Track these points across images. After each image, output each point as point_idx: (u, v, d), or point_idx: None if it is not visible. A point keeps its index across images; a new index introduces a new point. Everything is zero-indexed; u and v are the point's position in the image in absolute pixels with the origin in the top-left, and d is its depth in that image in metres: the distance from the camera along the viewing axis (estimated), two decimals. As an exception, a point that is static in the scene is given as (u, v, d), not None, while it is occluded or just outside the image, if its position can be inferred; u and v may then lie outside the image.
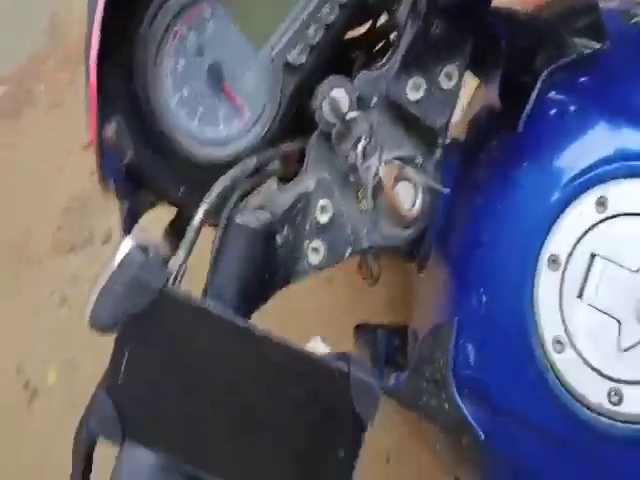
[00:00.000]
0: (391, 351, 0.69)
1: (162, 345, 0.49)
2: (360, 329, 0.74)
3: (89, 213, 1.49)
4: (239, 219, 0.56)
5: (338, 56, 0.63)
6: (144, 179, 0.62)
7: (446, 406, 0.59)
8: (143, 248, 0.49)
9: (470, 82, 0.67)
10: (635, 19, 0.61)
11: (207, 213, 0.56)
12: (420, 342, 0.63)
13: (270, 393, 0.49)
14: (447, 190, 0.59)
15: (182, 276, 0.53)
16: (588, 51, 0.56)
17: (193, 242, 0.55)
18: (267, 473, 0.49)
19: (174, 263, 0.54)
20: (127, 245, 0.48)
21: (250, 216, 0.57)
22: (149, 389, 0.49)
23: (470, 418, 0.58)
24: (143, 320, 0.48)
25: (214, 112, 0.61)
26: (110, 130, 0.59)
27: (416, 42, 0.58)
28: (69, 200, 1.69)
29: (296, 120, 0.62)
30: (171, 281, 0.51)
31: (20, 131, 1.79)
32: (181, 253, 0.54)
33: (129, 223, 0.64)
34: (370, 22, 0.65)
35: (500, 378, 0.57)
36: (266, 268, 0.58)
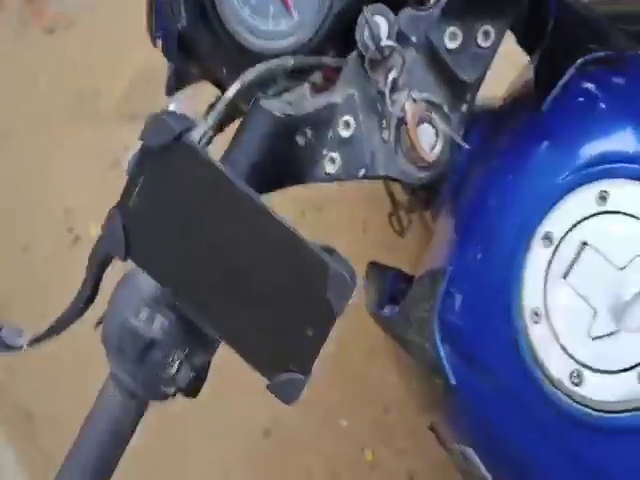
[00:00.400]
0: (395, 292, 0.72)
1: (171, 185, 0.53)
2: (373, 266, 0.77)
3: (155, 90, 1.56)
4: (264, 103, 0.58)
5: None
6: (193, 50, 0.66)
7: (427, 345, 0.63)
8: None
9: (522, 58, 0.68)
10: None
11: (239, 92, 0.59)
12: (416, 281, 0.67)
13: (258, 257, 0.53)
14: (467, 146, 0.61)
15: (206, 142, 0.57)
16: (629, 52, 0.57)
17: (221, 113, 0.58)
18: (243, 326, 0.54)
19: (200, 129, 0.57)
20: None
21: (275, 104, 0.59)
22: (154, 221, 0.54)
23: (445, 361, 0.61)
24: (159, 156, 0.52)
25: (265, 5, 0.64)
26: None
27: None
28: (139, 72, 1.74)
29: (345, 40, 0.63)
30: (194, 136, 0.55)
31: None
32: (209, 120, 0.57)
33: (171, 86, 0.71)
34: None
35: (479, 331, 0.60)
36: (283, 161, 0.61)
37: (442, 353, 0.62)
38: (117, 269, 0.59)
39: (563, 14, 0.60)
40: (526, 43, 0.66)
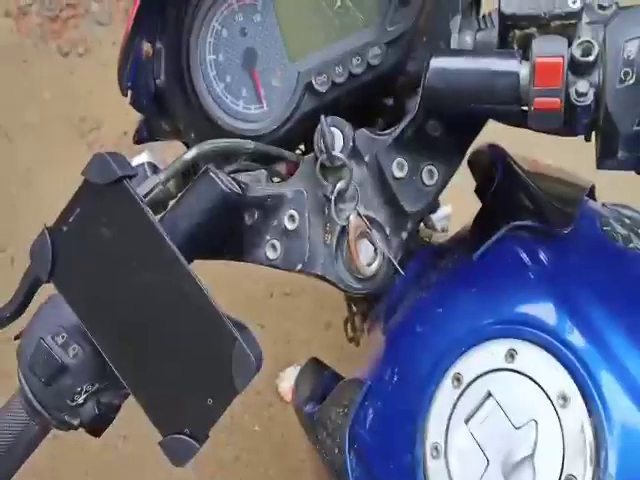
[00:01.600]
0: (327, 393, 0.73)
1: (103, 223, 0.55)
2: (313, 362, 0.79)
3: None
4: (213, 174, 0.60)
5: (364, 104, 0.67)
6: (166, 108, 0.70)
7: (336, 450, 0.66)
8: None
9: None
10: (607, 228, 0.66)
11: (197, 156, 0.61)
12: (338, 386, 0.70)
13: (172, 316, 0.54)
14: (402, 273, 0.63)
15: (154, 195, 0.59)
16: (552, 228, 0.62)
17: (175, 171, 0.60)
18: (148, 378, 0.55)
19: (151, 181, 0.59)
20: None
21: (224, 178, 0.61)
22: (81, 252, 0.56)
23: (350, 470, 0.64)
24: (98, 193, 0.54)
25: (239, 87, 0.68)
26: (148, 45, 0.67)
27: (409, 130, 0.61)
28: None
29: (310, 140, 0.65)
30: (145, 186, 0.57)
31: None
32: (161, 175, 0.60)
33: (141, 136, 0.73)
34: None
35: (383, 452, 0.63)
36: (227, 234, 0.63)
37: (348, 461, 0.64)
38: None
39: (508, 180, 0.65)
40: (479, 193, 0.70)
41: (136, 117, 0.73)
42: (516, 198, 0.67)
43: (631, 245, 0.65)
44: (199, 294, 0.53)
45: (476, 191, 0.72)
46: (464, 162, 0.64)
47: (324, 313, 1.72)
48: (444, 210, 0.91)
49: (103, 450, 1.66)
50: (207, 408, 0.53)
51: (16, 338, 0.60)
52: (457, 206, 1.00)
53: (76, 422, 0.59)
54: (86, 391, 0.58)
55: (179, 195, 0.60)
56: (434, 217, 1.05)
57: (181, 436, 0.54)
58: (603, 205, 0.72)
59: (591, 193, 0.74)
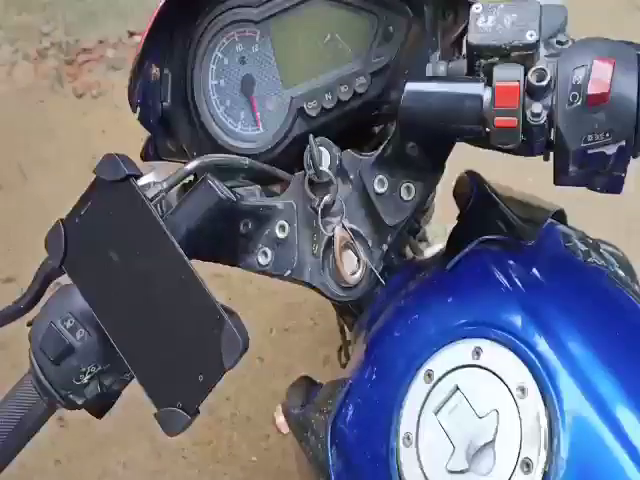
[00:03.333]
0: None
1: (111, 217, 0.60)
2: (304, 379, 0.84)
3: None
4: (210, 180, 0.65)
5: (353, 130, 0.74)
6: (172, 129, 0.76)
7: (319, 446, 0.71)
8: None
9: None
10: (570, 244, 0.73)
11: (198, 167, 0.66)
12: (324, 386, 0.76)
13: (169, 300, 0.59)
14: (383, 282, 0.69)
15: (158, 201, 0.63)
16: (518, 241, 0.68)
17: (177, 180, 0.65)
18: (146, 356, 0.60)
19: (155, 188, 0.63)
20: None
21: (220, 186, 0.66)
22: (91, 242, 0.61)
23: (331, 464, 0.69)
24: (107, 189, 0.60)
25: (238, 110, 0.75)
26: (156, 69, 0.73)
27: (388, 150, 0.67)
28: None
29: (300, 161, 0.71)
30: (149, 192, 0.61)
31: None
32: (164, 183, 0.64)
33: (148, 153, 0.78)
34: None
35: (360, 443, 0.68)
36: (222, 240, 0.68)
37: (329, 456, 0.69)
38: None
39: (481, 200, 0.72)
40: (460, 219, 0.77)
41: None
42: (487, 216, 0.74)
43: (589, 259, 0.72)
44: (194, 282, 0.58)
45: (458, 217, 0.79)
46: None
47: (322, 349, 1.76)
48: (443, 228, 0.97)
49: (104, 475, 1.70)
50: (198, 384, 0.58)
51: (29, 324, 0.65)
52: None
53: (80, 401, 0.64)
54: (90, 372, 0.63)
55: (180, 200, 0.66)
56: (431, 234, 1.11)
57: (174, 409, 0.58)
58: (573, 229, 0.79)
59: (562, 217, 0.81)
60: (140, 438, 1.70)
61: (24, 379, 0.65)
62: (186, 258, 0.59)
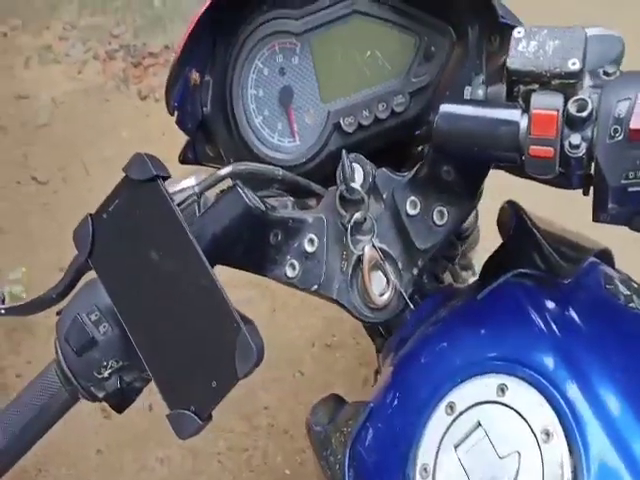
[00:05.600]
0: None
1: (137, 216, 0.60)
2: (334, 396, 0.82)
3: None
4: (240, 188, 0.65)
5: (390, 149, 0.73)
6: (211, 135, 0.77)
7: (337, 467, 0.70)
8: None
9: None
10: (611, 286, 0.69)
11: (231, 174, 0.66)
12: (346, 407, 0.75)
13: (188, 304, 0.59)
14: (412, 306, 0.67)
15: (189, 204, 0.64)
16: (554, 278, 0.65)
17: (209, 185, 0.65)
18: (163, 356, 0.60)
19: (187, 192, 0.64)
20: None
21: (249, 194, 0.66)
22: (117, 238, 0.61)
23: None
24: (135, 188, 0.60)
25: (275, 121, 0.75)
26: (197, 75, 0.74)
27: (422, 171, 0.65)
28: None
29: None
30: (183, 196, 0.62)
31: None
32: (196, 188, 0.65)
33: (187, 157, 0.79)
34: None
35: (377, 470, 0.67)
36: (251, 249, 0.68)
37: (347, 477, 0.68)
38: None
39: (519, 232, 0.69)
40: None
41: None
42: (524, 249, 0.71)
43: (631, 305, 0.68)
44: (214, 288, 0.58)
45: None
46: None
47: (362, 369, 1.75)
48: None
49: (141, 470, 1.73)
50: (211, 390, 0.58)
51: (58, 314, 0.67)
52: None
53: (100, 394, 0.65)
54: (111, 366, 0.64)
55: (209, 206, 0.66)
56: (478, 264, 1.08)
57: (186, 412, 0.58)
58: (617, 271, 0.75)
59: (608, 258, 0.77)
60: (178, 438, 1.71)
61: (49, 367, 0.66)
62: (207, 263, 0.58)
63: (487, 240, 1.09)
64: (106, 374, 0.64)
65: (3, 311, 0.68)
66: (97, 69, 2.21)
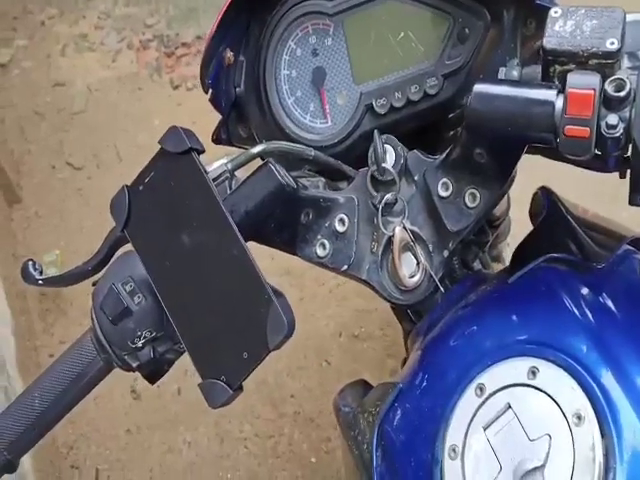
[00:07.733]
0: None
1: (172, 187, 0.61)
2: (361, 381, 0.83)
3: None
4: (272, 165, 0.65)
5: (423, 132, 0.72)
6: (244, 115, 0.77)
7: (365, 447, 0.70)
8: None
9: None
10: None
11: (263, 152, 0.67)
12: (374, 388, 0.75)
13: (221, 275, 0.59)
14: (442, 289, 0.67)
15: (221, 181, 0.64)
16: (586, 262, 0.65)
17: (242, 162, 0.66)
18: (196, 327, 0.61)
19: (219, 169, 0.64)
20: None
21: (282, 171, 0.66)
22: (152, 210, 0.62)
23: (375, 465, 0.68)
24: (170, 161, 0.60)
25: (307, 102, 0.75)
26: (231, 54, 0.74)
27: (455, 153, 0.65)
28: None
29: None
30: (217, 173, 0.62)
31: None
32: (229, 165, 0.65)
33: (219, 136, 0.79)
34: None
35: (405, 450, 0.67)
36: (282, 226, 0.69)
37: (375, 457, 0.68)
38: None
39: (552, 217, 0.69)
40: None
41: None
42: (557, 234, 0.71)
43: None
44: (246, 260, 0.59)
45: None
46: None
47: (390, 360, 1.74)
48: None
49: (168, 452, 1.74)
50: (242, 361, 0.58)
51: (94, 284, 0.68)
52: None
53: (134, 364, 0.66)
54: (145, 337, 0.64)
55: (241, 182, 0.66)
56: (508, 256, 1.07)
57: (217, 381, 0.59)
58: None
59: None
60: (206, 422, 1.73)
61: (85, 335, 0.67)
62: (240, 236, 0.59)
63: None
64: (140, 344, 0.65)
65: (41, 282, 0.69)
66: (131, 58, 2.23)
